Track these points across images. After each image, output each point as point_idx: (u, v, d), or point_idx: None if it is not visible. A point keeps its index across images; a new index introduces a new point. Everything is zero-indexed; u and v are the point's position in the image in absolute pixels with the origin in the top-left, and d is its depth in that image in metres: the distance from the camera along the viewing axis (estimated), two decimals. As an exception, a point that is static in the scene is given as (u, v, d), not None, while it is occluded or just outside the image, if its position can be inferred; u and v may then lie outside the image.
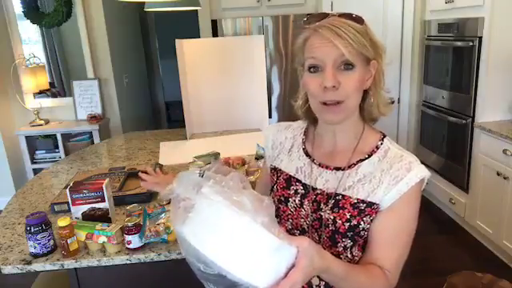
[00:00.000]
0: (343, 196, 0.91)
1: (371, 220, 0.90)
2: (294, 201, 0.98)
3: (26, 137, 3.63)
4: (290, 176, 1.01)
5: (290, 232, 0.98)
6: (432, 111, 3.34)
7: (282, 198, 1.00)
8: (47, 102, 3.88)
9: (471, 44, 2.75)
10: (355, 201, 0.90)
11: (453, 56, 3.01)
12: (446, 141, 3.16)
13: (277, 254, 0.67)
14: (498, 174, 2.54)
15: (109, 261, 1.31)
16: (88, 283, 1.42)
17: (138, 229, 1.32)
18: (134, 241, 1.31)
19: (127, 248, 1.33)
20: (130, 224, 1.31)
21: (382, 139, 0.97)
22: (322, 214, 0.92)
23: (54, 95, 4.00)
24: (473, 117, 2.82)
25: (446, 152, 3.17)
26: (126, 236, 1.32)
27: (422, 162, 0.90)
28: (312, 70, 0.89)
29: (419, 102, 3.59)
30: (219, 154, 1.97)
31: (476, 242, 2.90)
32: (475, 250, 2.83)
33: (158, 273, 1.42)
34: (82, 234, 1.34)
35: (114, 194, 1.62)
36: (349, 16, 0.87)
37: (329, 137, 0.99)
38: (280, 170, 1.04)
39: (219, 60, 2.86)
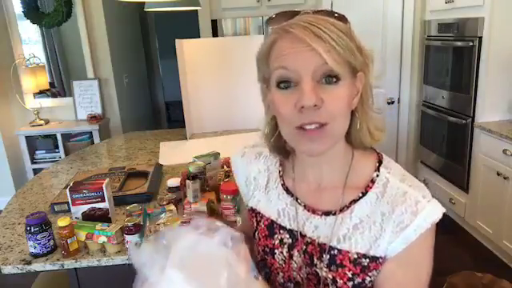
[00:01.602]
0: (339, 250, 0.73)
1: (378, 272, 0.72)
2: (282, 252, 0.79)
3: (26, 137, 3.63)
4: (272, 221, 0.82)
5: (283, 285, 0.82)
6: (432, 111, 3.33)
7: (267, 249, 0.82)
8: (47, 102, 3.88)
9: (471, 44, 2.75)
10: (355, 256, 0.72)
11: (453, 56, 3.01)
12: (446, 141, 3.16)
13: None
14: (498, 174, 2.54)
15: (109, 261, 1.32)
16: (88, 283, 1.42)
17: (137, 229, 1.32)
18: (134, 241, 1.31)
19: (127, 248, 1.33)
20: (129, 224, 1.31)
21: (378, 168, 0.75)
22: (319, 271, 0.75)
23: (54, 95, 4.00)
24: (473, 117, 2.81)
25: (446, 152, 3.17)
26: (126, 236, 1.32)
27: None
28: (282, 85, 0.66)
29: (419, 102, 3.58)
30: (219, 153, 1.97)
31: (476, 242, 2.90)
32: (475, 249, 2.83)
33: (158, 273, 1.42)
34: (82, 234, 1.34)
35: (114, 193, 1.62)
36: (329, 13, 0.66)
37: (311, 170, 0.78)
38: (259, 213, 0.84)
39: (219, 60, 2.86)
